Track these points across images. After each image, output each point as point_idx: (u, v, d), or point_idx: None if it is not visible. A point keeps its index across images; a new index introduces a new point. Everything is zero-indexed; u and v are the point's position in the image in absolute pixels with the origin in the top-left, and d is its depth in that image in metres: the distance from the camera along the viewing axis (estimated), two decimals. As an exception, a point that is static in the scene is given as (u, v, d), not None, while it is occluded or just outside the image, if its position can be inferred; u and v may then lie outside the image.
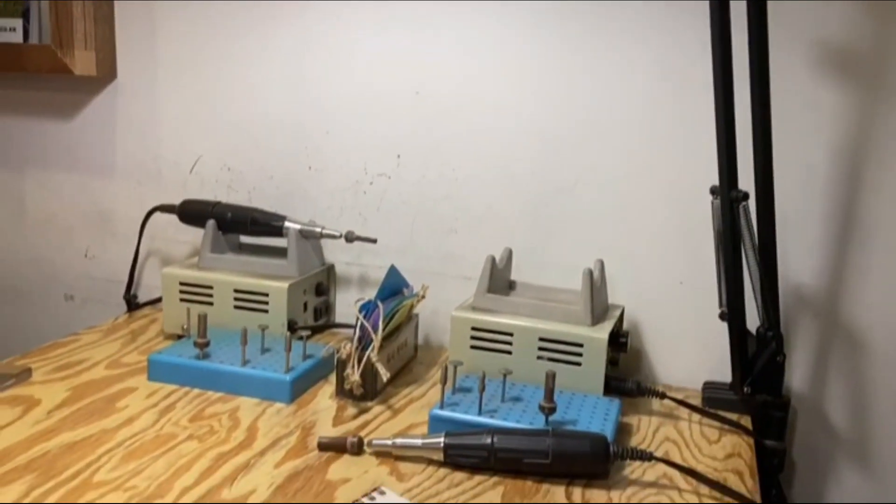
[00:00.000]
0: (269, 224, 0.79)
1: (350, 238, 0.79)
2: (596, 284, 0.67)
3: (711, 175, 0.62)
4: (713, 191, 0.64)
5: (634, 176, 0.74)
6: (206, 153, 0.87)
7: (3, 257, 0.96)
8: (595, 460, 0.52)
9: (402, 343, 0.74)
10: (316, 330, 0.81)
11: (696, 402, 0.68)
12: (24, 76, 0.90)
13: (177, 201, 0.83)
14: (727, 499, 0.52)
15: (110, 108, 0.88)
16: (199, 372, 0.66)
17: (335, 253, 0.85)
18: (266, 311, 0.75)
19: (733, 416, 0.66)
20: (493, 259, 0.70)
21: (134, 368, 0.70)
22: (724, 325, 0.65)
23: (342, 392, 0.66)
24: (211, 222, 0.79)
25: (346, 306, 0.86)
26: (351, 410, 0.64)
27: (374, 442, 0.56)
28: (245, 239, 0.84)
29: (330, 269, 0.85)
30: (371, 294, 0.70)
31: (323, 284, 0.83)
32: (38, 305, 0.96)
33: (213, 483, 0.51)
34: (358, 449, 0.56)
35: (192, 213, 0.81)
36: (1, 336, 0.98)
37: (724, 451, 0.60)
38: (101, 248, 0.93)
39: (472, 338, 0.68)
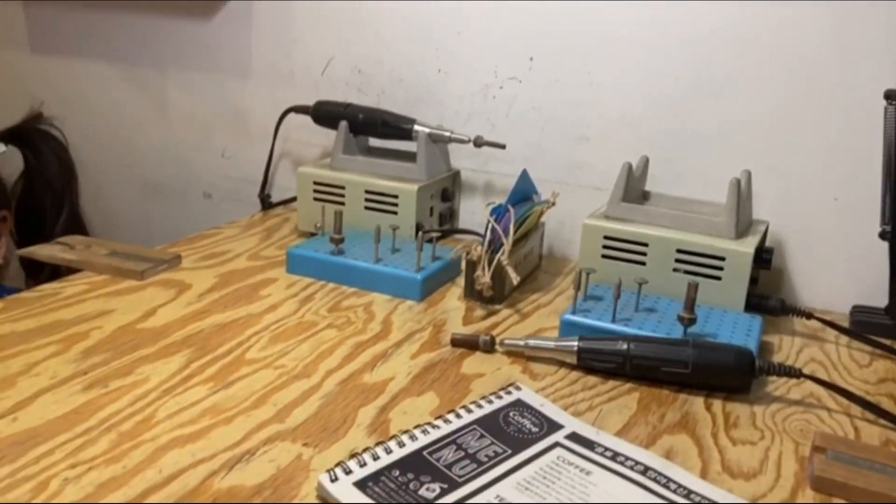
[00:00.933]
0: (398, 126, 0.79)
1: (479, 143, 0.78)
2: (742, 196, 0.63)
3: (885, 78, 0.56)
4: (888, 95, 0.58)
5: (790, 80, 0.68)
6: (338, 56, 0.87)
7: (149, 155, 1.01)
8: (738, 374, 0.51)
9: (529, 251, 0.73)
10: (441, 234, 0.82)
11: (844, 325, 0.64)
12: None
13: (308, 103, 0.85)
14: (882, 421, 0.49)
15: (247, 8, 0.90)
16: (334, 267, 0.69)
17: (461, 159, 0.85)
18: (395, 213, 0.76)
19: (886, 342, 0.61)
20: (630, 166, 0.67)
21: (273, 261, 0.74)
22: (878, 248, 0.60)
23: (470, 294, 0.67)
24: (343, 123, 0.80)
25: (470, 213, 0.86)
26: (479, 312, 0.65)
27: (507, 341, 0.57)
28: (373, 142, 0.85)
29: (455, 175, 0.84)
30: (493, 202, 0.70)
31: (448, 190, 0.83)
32: (178, 202, 1.02)
33: (355, 368, 0.54)
34: (490, 347, 0.57)
35: (325, 114, 0.82)
36: (145, 229, 1.05)
37: (877, 376, 0.57)
38: (236, 148, 0.96)
39: (605, 247, 0.66)
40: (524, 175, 0.70)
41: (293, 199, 0.90)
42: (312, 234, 0.79)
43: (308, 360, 0.54)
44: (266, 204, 0.92)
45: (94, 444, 0.42)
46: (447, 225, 0.84)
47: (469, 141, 0.78)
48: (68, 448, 0.42)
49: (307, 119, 0.85)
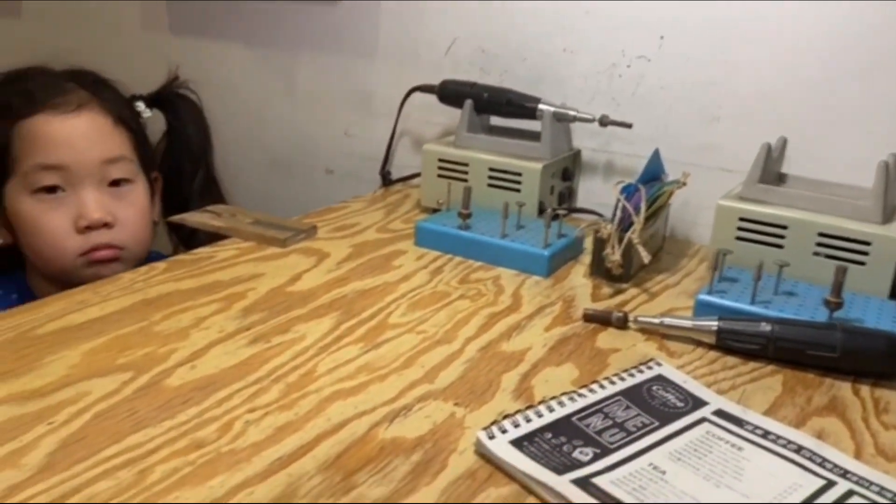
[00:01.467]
0: (523, 105, 0.81)
1: (604, 122, 0.78)
2: (891, 178, 0.61)
3: None
4: None
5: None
6: (462, 35, 0.89)
7: (276, 132, 1.07)
8: (890, 360, 0.49)
9: (655, 231, 0.73)
10: (566, 212, 0.83)
11: None
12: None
13: (431, 83, 0.87)
14: None
15: (375, -10, 0.93)
16: (461, 241, 0.71)
17: (583, 139, 0.85)
18: (518, 191, 0.78)
19: None
20: (769, 147, 0.66)
21: (400, 234, 0.77)
22: None
23: (597, 271, 0.68)
24: (468, 102, 0.81)
25: (588, 193, 0.86)
26: (606, 290, 0.66)
27: (640, 318, 0.57)
28: (494, 120, 0.86)
29: (577, 155, 0.85)
30: (614, 182, 0.70)
31: (569, 169, 0.83)
32: (301, 177, 1.07)
33: (492, 337, 0.56)
34: (622, 324, 0.58)
35: (450, 92, 0.84)
36: (271, 202, 1.10)
37: None
38: (359, 127, 1.00)
39: (739, 229, 0.65)
40: (655, 155, 0.70)
41: (414, 176, 0.93)
42: (435, 210, 0.82)
43: (447, 327, 0.57)
44: (386, 180, 0.95)
45: (266, 393, 0.46)
46: (566, 204, 0.85)
47: (594, 120, 0.79)
48: (244, 394, 0.46)
49: (428, 98, 0.88)
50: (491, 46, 0.88)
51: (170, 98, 0.88)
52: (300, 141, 1.05)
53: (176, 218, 0.77)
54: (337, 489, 0.38)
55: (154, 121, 0.87)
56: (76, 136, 0.74)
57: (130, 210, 0.77)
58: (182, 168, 0.88)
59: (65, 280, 0.75)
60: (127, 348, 0.50)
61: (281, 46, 1.02)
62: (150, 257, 0.87)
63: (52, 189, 0.73)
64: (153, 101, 0.86)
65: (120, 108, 0.80)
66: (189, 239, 0.89)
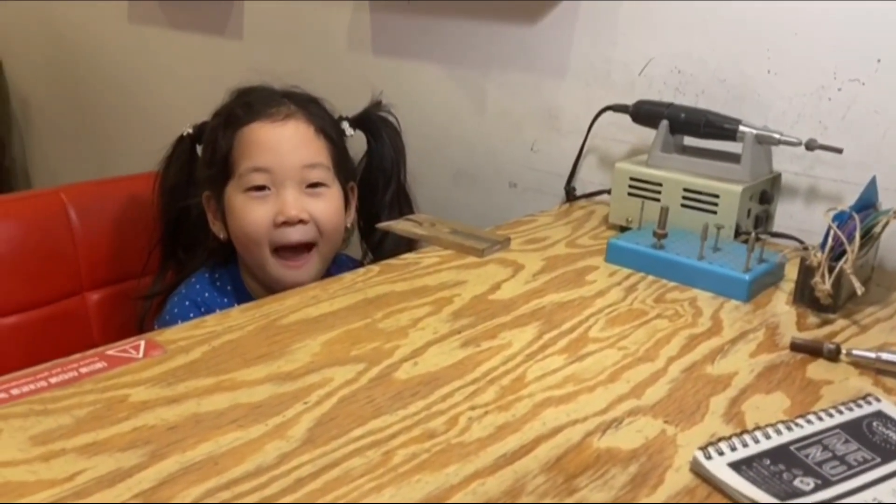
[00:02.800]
0: (722, 127, 0.80)
1: (811, 146, 0.76)
2: None
3: None
4: None
5: None
6: (658, 55, 0.90)
7: (463, 146, 1.12)
8: None
9: (865, 261, 0.70)
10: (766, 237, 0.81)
11: None
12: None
13: (622, 102, 0.88)
14: None
15: (572, 14, 0.95)
16: (655, 260, 0.71)
17: (782, 162, 0.82)
18: (714, 213, 0.77)
19: None
20: None
21: (590, 250, 0.79)
22: None
23: (802, 299, 0.66)
24: (664, 122, 0.82)
25: (787, 218, 0.83)
26: (813, 319, 0.64)
27: (855, 352, 0.56)
28: (688, 141, 0.86)
29: (776, 178, 0.82)
30: (816, 207, 0.67)
31: (768, 193, 0.81)
32: (484, 190, 1.12)
33: (695, 358, 0.56)
34: (835, 356, 0.56)
35: (645, 112, 0.85)
36: (452, 212, 1.16)
37: None
38: (545, 143, 1.03)
39: (968, 264, 0.61)
40: (872, 182, 0.67)
41: (599, 193, 0.95)
42: (623, 228, 0.83)
43: (648, 346, 0.58)
44: (571, 196, 0.97)
45: (483, 393, 0.50)
46: (761, 227, 0.83)
47: (800, 143, 0.76)
48: (464, 392, 0.50)
49: (618, 117, 0.89)
50: (688, 67, 0.87)
51: (372, 120, 0.95)
52: (486, 155, 1.10)
53: (383, 225, 0.84)
54: (560, 490, 0.41)
55: (357, 140, 0.95)
56: (282, 141, 0.84)
57: (323, 210, 0.84)
58: (376, 183, 0.95)
59: (259, 272, 0.86)
60: (358, 342, 0.57)
61: (473, 65, 1.08)
62: (340, 259, 0.96)
63: (260, 188, 0.83)
64: (357, 122, 0.95)
65: (322, 120, 0.88)
66: (378, 246, 0.96)
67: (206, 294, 0.89)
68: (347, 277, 0.69)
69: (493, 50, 1.05)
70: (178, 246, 0.95)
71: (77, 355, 0.53)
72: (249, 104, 0.86)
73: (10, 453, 0.41)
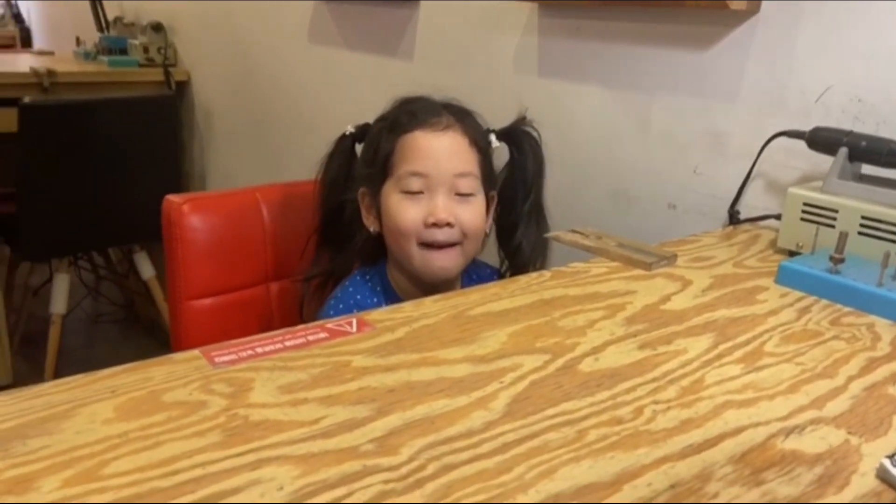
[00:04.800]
0: (906, 156, 0.79)
1: None
2: None
3: None
4: None
5: None
6: (837, 83, 0.89)
7: (622, 167, 1.16)
8: None
9: None
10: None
11: None
12: (668, 10, 1.05)
13: (795, 128, 0.88)
14: None
15: (747, 40, 0.97)
16: (831, 284, 0.72)
17: (971, 194, 0.80)
18: (893, 241, 0.76)
19: None
20: None
21: (758, 271, 0.80)
22: None
23: None
24: (843, 149, 0.82)
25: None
26: None
27: None
28: (866, 169, 0.85)
29: (963, 211, 0.80)
30: None
31: (953, 225, 0.79)
32: (641, 210, 1.14)
33: (876, 379, 0.57)
34: None
35: (823, 139, 0.85)
36: (611, 232, 1.19)
37: None
38: (709, 166, 1.04)
39: None
40: None
41: (765, 217, 0.95)
42: (792, 252, 0.83)
43: (826, 363, 0.59)
44: (734, 219, 0.98)
45: (664, 391, 0.54)
46: (943, 261, 0.80)
47: None
48: (646, 388, 0.54)
49: (789, 142, 0.89)
50: (869, 96, 0.87)
51: (517, 133, 1.01)
52: (646, 176, 1.13)
53: (551, 235, 0.89)
54: (748, 480, 0.44)
55: (500, 152, 1.01)
56: (439, 150, 0.92)
57: (468, 216, 0.92)
58: (516, 193, 1.01)
59: (406, 263, 0.94)
60: (540, 336, 0.62)
61: (639, 88, 1.11)
62: (480, 266, 1.03)
63: (415, 192, 0.91)
64: (503, 134, 1.01)
65: (476, 133, 0.96)
66: (515, 253, 1.02)
67: (358, 296, 0.98)
68: (523, 280, 0.75)
69: (662, 73, 1.08)
70: (332, 235, 1.04)
71: (301, 326, 0.61)
72: (413, 113, 0.95)
73: (264, 398, 0.50)
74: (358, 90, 1.69)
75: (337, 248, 1.04)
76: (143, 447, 0.43)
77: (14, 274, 2.46)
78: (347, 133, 1.03)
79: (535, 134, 1.02)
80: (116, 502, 0.38)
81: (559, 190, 1.21)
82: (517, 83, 1.29)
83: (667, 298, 0.71)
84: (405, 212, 0.92)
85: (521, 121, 1.02)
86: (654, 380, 0.55)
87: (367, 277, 1.01)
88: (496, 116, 1.00)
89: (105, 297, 2.88)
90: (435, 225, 0.91)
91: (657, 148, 1.11)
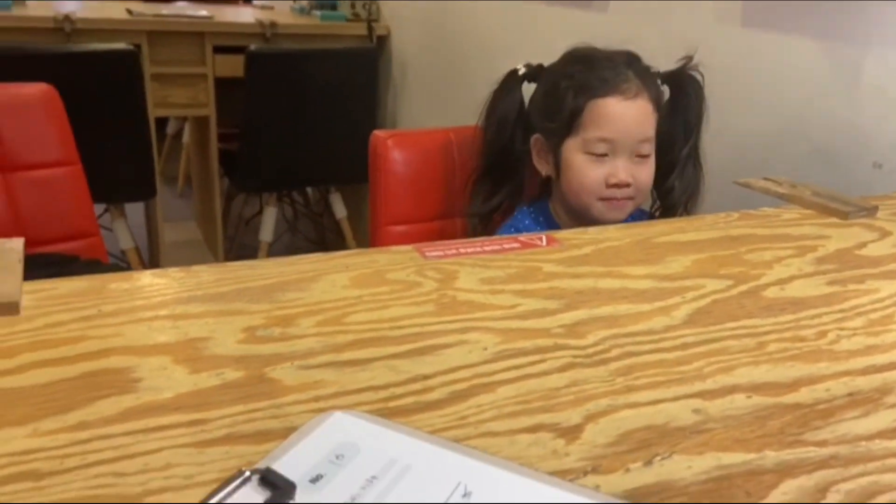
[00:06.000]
0: None
1: None
2: None
3: None
4: None
5: None
6: None
7: (825, 122, 1.10)
8: None
9: None
10: None
11: None
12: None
13: None
14: None
15: None
16: None
17: None
18: None
19: None
20: None
21: (973, 230, 0.75)
22: None
23: None
24: None
25: None
26: None
27: None
28: None
29: None
30: None
31: None
32: (843, 169, 1.09)
33: None
34: None
35: None
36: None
37: None
38: (927, 123, 0.97)
39: None
40: None
41: None
42: None
43: None
44: (951, 180, 0.91)
45: (851, 320, 0.54)
46: None
47: None
48: (832, 317, 0.55)
49: None
50: None
51: (682, 77, 1.00)
52: (850, 132, 1.07)
53: (742, 181, 0.89)
54: (933, 402, 0.44)
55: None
56: (628, 117, 0.94)
57: (644, 176, 0.96)
58: (675, 137, 1.00)
59: (579, 213, 0.98)
60: (724, 265, 0.64)
61: (851, 41, 1.05)
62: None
63: (600, 154, 0.94)
64: (667, 77, 1.00)
65: (658, 95, 0.97)
66: (665, 195, 1.02)
67: (527, 223, 1.04)
68: (709, 218, 0.76)
69: (877, 25, 1.01)
70: (498, 172, 1.09)
71: (497, 236, 0.68)
72: (605, 78, 0.96)
73: (468, 285, 0.57)
74: (551, 43, 1.72)
75: (499, 184, 1.10)
76: (374, 307, 0.52)
77: (230, 206, 2.81)
78: (519, 73, 1.07)
79: (698, 78, 1.00)
80: (357, 340, 0.48)
81: (755, 140, 1.18)
82: (718, 35, 1.26)
83: (862, 245, 0.70)
84: (589, 172, 0.96)
85: (687, 64, 1.01)
86: (841, 311, 0.56)
87: (531, 210, 1.06)
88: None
89: (301, 232, 3.19)
90: (616, 185, 0.95)
91: (866, 104, 1.04)
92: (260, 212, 2.58)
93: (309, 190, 2.99)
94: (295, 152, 2.25)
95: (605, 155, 0.95)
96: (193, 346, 0.46)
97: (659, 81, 1.01)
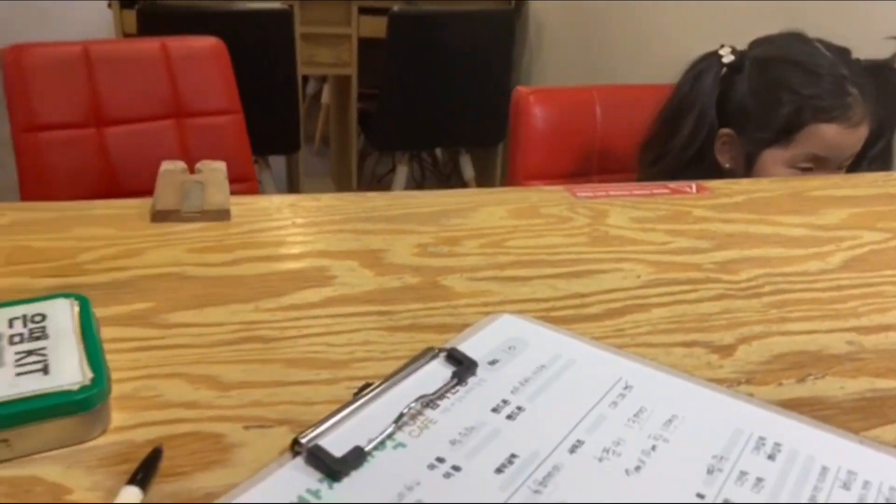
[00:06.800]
0: None
1: None
2: None
3: None
4: None
5: None
6: None
7: None
8: None
9: None
10: None
11: None
12: None
13: None
14: None
15: None
16: None
17: None
18: None
19: None
20: None
21: None
22: None
23: None
24: None
25: None
26: None
27: None
28: None
29: None
30: None
31: None
32: None
33: None
34: None
35: None
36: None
37: None
38: None
39: None
40: None
41: None
42: None
43: None
44: None
45: None
46: None
47: None
48: None
49: None
50: None
51: (885, 71, 0.93)
52: None
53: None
54: None
55: None
56: (847, 144, 0.91)
57: None
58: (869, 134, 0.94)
59: None
60: (882, 219, 0.63)
61: None
62: None
63: (804, 168, 0.91)
64: (868, 68, 0.94)
65: (875, 112, 0.91)
66: None
67: None
68: (867, 176, 0.74)
69: None
70: (669, 145, 1.04)
71: (647, 182, 0.70)
72: (831, 105, 0.90)
73: (619, 222, 0.60)
74: (699, 7, 1.67)
75: (661, 155, 1.09)
76: (530, 235, 0.56)
77: (364, 164, 2.94)
78: (723, 59, 0.99)
79: None
80: (517, 261, 0.52)
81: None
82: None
83: None
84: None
85: (893, 58, 0.95)
86: None
87: None
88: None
89: (428, 193, 3.29)
90: None
91: None
92: (392, 170, 2.69)
93: (438, 151, 3.07)
94: (430, 113, 2.32)
95: (809, 169, 0.92)
96: (375, 255, 0.52)
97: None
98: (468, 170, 2.65)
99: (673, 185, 0.70)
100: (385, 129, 2.38)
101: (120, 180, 1.35)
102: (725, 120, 0.98)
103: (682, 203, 0.65)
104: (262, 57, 2.09)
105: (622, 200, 0.65)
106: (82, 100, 1.29)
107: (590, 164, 1.27)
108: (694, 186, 0.69)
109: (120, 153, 1.35)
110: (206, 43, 1.46)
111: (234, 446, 0.32)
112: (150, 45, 1.39)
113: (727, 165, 1.00)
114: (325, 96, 3.30)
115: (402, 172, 2.57)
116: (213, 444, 0.32)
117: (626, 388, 0.37)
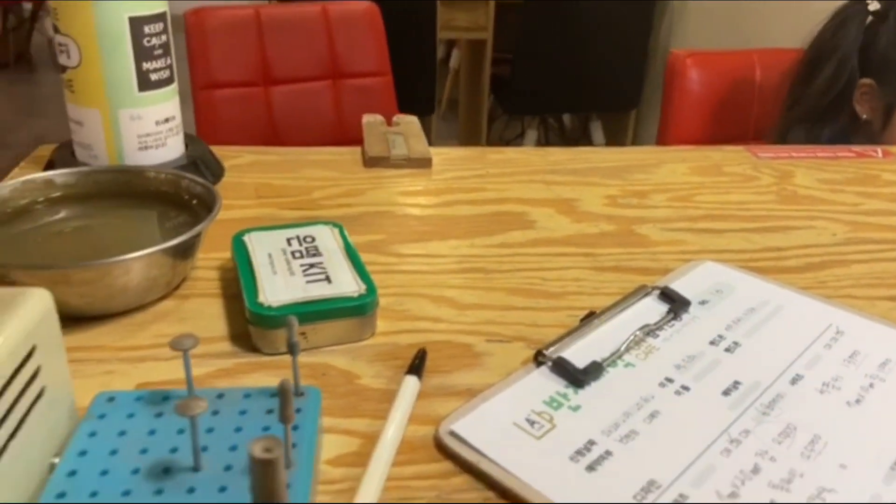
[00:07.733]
0: None
1: None
2: None
3: None
4: None
5: None
6: None
7: None
8: None
9: None
10: None
11: None
12: None
13: None
14: None
15: None
16: None
17: None
18: None
19: None
20: None
21: None
22: None
23: None
24: None
25: None
26: None
27: None
28: None
29: None
30: None
31: None
32: None
33: None
34: None
35: None
36: None
37: None
38: None
39: None
40: None
41: None
42: None
43: None
44: None
45: None
46: None
47: None
48: None
49: None
50: None
51: None
52: None
53: None
54: None
55: None
56: None
57: None
58: None
59: None
60: None
61: None
62: None
63: None
64: None
65: None
66: None
67: None
68: None
69: None
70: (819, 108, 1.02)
71: (829, 146, 0.70)
72: None
73: (806, 183, 0.60)
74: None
75: (799, 99, 1.04)
76: (717, 192, 0.58)
77: (492, 127, 2.96)
78: (869, 7, 0.97)
79: None
80: (708, 215, 0.54)
81: None
82: None
83: None
84: None
85: None
86: None
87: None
88: None
89: (553, 160, 3.28)
90: None
91: None
92: (521, 134, 2.70)
93: (565, 117, 3.04)
94: (564, 77, 2.31)
95: None
96: (568, 204, 0.55)
97: None
98: (598, 135, 2.63)
99: (858, 148, 0.69)
100: (518, 93, 2.39)
101: (280, 133, 1.45)
102: (867, 70, 0.96)
103: (869, 166, 0.64)
104: (406, 21, 2.15)
105: (807, 162, 0.65)
106: (253, 60, 1.39)
107: (746, 129, 1.24)
108: (880, 151, 0.68)
109: (283, 110, 1.45)
110: (361, 7, 1.53)
111: (482, 354, 0.37)
112: (313, 8, 1.47)
113: (865, 116, 0.96)
114: (454, 60, 3.34)
115: (531, 137, 2.58)
116: (464, 351, 0.37)
117: (837, 332, 0.39)
